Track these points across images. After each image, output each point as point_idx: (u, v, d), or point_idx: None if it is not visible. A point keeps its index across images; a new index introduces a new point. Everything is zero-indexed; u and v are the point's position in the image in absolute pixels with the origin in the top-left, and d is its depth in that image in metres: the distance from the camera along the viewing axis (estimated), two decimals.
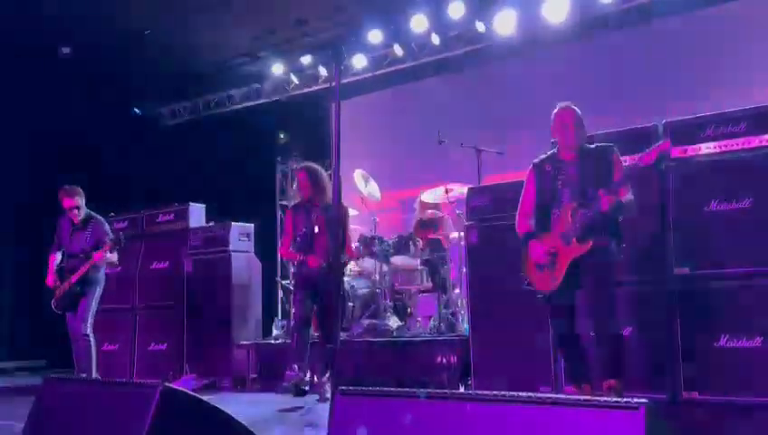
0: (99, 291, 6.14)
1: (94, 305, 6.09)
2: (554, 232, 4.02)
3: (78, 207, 6.15)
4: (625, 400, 1.72)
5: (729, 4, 7.28)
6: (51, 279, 6.14)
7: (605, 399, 1.76)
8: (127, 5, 8.05)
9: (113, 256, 6.16)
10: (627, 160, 4.67)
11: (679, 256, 4.52)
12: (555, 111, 4.25)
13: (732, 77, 6.95)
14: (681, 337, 4.45)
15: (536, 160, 4.31)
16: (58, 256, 6.23)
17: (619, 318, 3.99)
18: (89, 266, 5.98)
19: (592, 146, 4.22)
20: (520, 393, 1.91)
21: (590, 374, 3.95)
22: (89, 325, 6.02)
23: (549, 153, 4.30)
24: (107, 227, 6.30)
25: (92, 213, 6.29)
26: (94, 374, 6.02)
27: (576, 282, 3.92)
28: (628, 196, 3.87)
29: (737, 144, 4.46)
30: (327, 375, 5.41)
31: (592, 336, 3.96)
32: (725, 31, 7.15)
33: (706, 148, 4.55)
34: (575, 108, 4.22)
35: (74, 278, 5.98)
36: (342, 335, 6.18)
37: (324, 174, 5.81)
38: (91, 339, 6.03)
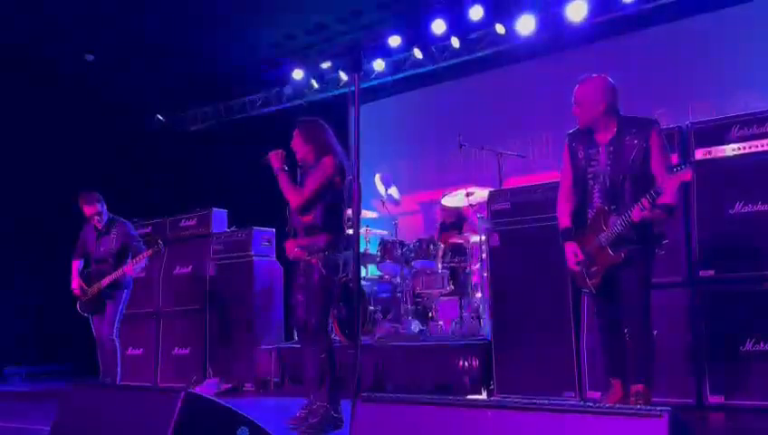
0: (127, 295, 6.22)
1: (121, 310, 6.17)
2: (589, 235, 3.77)
3: (99, 213, 6.22)
4: (648, 407, 1.70)
5: (753, 2, 7.18)
6: (76, 284, 6.22)
7: (628, 406, 1.74)
8: (150, 12, 8.12)
9: (142, 263, 6.26)
10: None
11: (704, 259, 4.48)
12: None
13: (757, 77, 6.85)
14: (707, 341, 4.40)
15: (571, 132, 3.95)
16: (81, 263, 6.32)
17: (653, 322, 3.82)
18: (120, 274, 6.06)
19: (630, 119, 3.77)
20: (542, 401, 1.90)
21: (626, 373, 3.78)
22: (115, 329, 6.09)
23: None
24: (131, 228, 6.39)
25: (114, 216, 6.38)
26: (119, 378, 6.08)
27: (613, 283, 3.75)
28: (669, 201, 3.52)
29: (763, 145, 4.40)
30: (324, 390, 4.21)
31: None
32: (750, 30, 7.06)
33: (731, 149, 4.51)
34: (590, 79, 3.81)
35: (105, 282, 6.05)
36: (364, 339, 6.16)
37: (323, 128, 4.58)
38: (117, 343, 6.10)
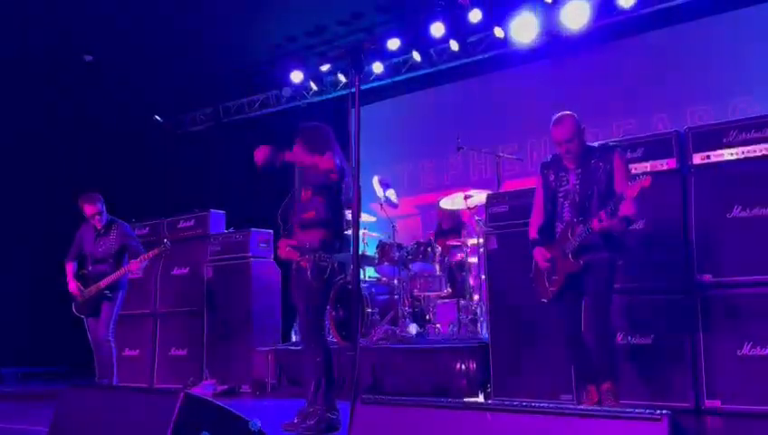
0: (122, 296, 6.22)
1: (117, 311, 6.16)
2: (556, 245, 4.06)
3: (100, 213, 6.24)
4: (648, 411, 1.71)
5: (748, 8, 7.20)
6: (73, 286, 6.21)
7: (629, 410, 1.75)
8: (148, 12, 8.12)
9: (143, 263, 6.25)
10: (648, 167, 4.67)
11: (701, 263, 4.49)
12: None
13: (755, 83, 6.87)
14: (704, 345, 4.41)
15: (544, 161, 4.31)
16: (75, 264, 6.31)
17: (613, 325, 4.10)
18: (123, 273, 6.07)
19: (595, 146, 4.13)
20: (541, 404, 1.90)
21: (596, 377, 3.94)
22: (111, 330, 6.09)
23: (556, 155, 4.22)
24: (129, 229, 6.41)
25: (114, 217, 6.39)
26: (115, 380, 6.08)
27: (573, 290, 4.02)
28: (628, 212, 3.83)
29: (761, 150, 4.42)
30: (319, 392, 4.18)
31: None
32: (748, 36, 7.07)
33: (729, 154, 4.52)
34: (564, 118, 4.07)
35: (105, 283, 6.06)
36: (362, 342, 6.16)
37: (325, 134, 4.50)
38: (113, 344, 6.09)
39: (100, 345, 6.09)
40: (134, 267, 6.09)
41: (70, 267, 6.31)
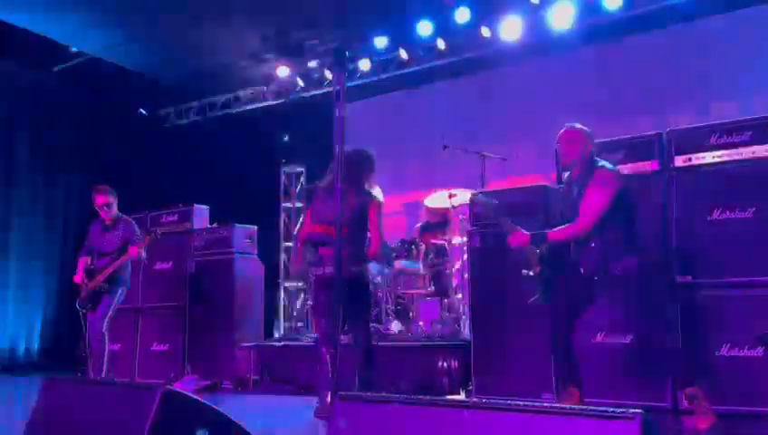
0: (122, 292, 6.22)
1: (114, 306, 6.15)
2: None
3: (109, 205, 6.27)
4: (621, 409, 1.73)
5: (735, 13, 7.27)
6: (78, 277, 6.23)
7: (601, 408, 1.77)
8: (134, 6, 8.07)
9: (143, 253, 6.26)
10: (629, 169, 4.70)
11: (682, 265, 4.53)
12: None
13: (737, 87, 6.95)
14: (682, 345, 4.45)
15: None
16: (88, 259, 6.33)
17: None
18: (121, 263, 6.09)
19: (590, 162, 4.12)
20: (518, 402, 1.92)
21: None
22: (105, 324, 6.08)
23: None
24: (135, 227, 6.41)
25: (122, 214, 6.41)
26: (104, 373, 6.05)
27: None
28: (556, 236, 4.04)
29: (741, 153, 4.46)
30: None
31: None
32: (731, 41, 7.15)
33: (711, 157, 4.56)
34: (566, 129, 4.18)
35: (102, 277, 6.07)
36: (343, 339, 6.16)
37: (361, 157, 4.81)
38: (106, 338, 6.08)
39: (93, 339, 6.07)
40: (133, 254, 6.07)
41: (81, 261, 6.35)
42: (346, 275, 4.22)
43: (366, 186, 4.67)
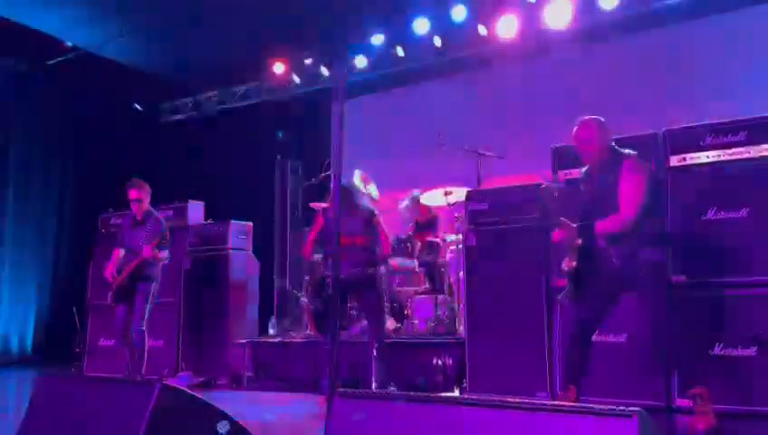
0: (154, 287, 6.18)
1: (149, 303, 6.12)
2: None
3: (140, 200, 6.24)
4: (620, 407, 1.74)
5: (730, 14, 7.29)
6: (108, 272, 6.18)
7: (600, 406, 1.78)
8: (129, 1, 8.05)
9: (164, 253, 6.17)
10: None
11: (676, 264, 4.54)
12: None
13: (732, 87, 6.97)
14: (676, 344, 4.47)
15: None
16: (121, 252, 6.30)
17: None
18: (137, 262, 6.04)
19: (613, 151, 4.10)
20: (515, 399, 1.93)
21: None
22: (144, 320, 6.06)
23: None
24: (163, 225, 6.31)
25: (153, 211, 6.38)
26: (143, 370, 6.03)
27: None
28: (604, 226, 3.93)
29: (736, 153, 4.48)
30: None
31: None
32: (726, 42, 7.17)
33: (706, 157, 4.58)
34: (582, 121, 4.18)
35: (125, 273, 6.05)
36: (340, 336, 6.16)
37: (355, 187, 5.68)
38: (145, 334, 6.07)
39: (132, 335, 6.04)
40: (147, 255, 6.00)
41: (115, 253, 6.32)
42: (363, 276, 5.26)
43: (363, 202, 5.49)
